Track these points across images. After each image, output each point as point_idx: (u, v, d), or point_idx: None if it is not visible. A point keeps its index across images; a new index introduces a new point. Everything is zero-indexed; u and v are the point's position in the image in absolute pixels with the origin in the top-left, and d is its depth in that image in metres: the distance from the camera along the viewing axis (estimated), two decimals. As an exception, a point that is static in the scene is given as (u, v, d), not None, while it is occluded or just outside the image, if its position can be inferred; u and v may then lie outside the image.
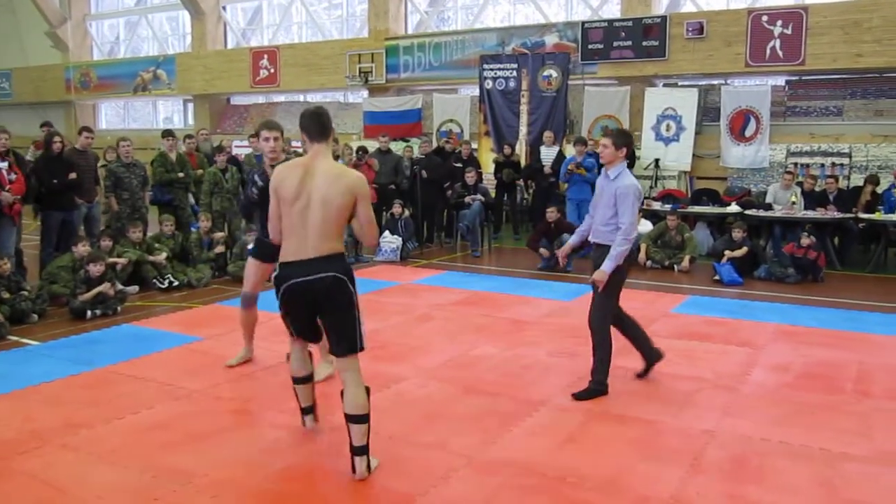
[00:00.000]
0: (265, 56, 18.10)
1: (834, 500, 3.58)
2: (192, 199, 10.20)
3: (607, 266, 4.75)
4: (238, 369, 5.46)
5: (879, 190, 10.59)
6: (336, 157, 5.57)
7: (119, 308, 7.31)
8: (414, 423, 4.46)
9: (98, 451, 4.05)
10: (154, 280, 8.30)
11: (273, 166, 4.41)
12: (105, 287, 7.21)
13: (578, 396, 4.86)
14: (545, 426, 4.44)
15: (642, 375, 5.23)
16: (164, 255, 8.49)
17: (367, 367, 5.41)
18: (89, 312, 7.06)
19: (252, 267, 5.30)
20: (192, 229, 9.54)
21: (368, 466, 3.74)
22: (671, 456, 4.04)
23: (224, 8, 19.69)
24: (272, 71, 17.98)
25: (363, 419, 3.71)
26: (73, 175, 8.41)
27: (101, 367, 5.50)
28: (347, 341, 3.73)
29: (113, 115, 23.18)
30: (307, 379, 4.22)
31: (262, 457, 3.98)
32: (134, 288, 8.07)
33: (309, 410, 4.31)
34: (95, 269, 7.23)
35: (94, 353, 5.90)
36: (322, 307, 3.74)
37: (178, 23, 21.31)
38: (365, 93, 17.12)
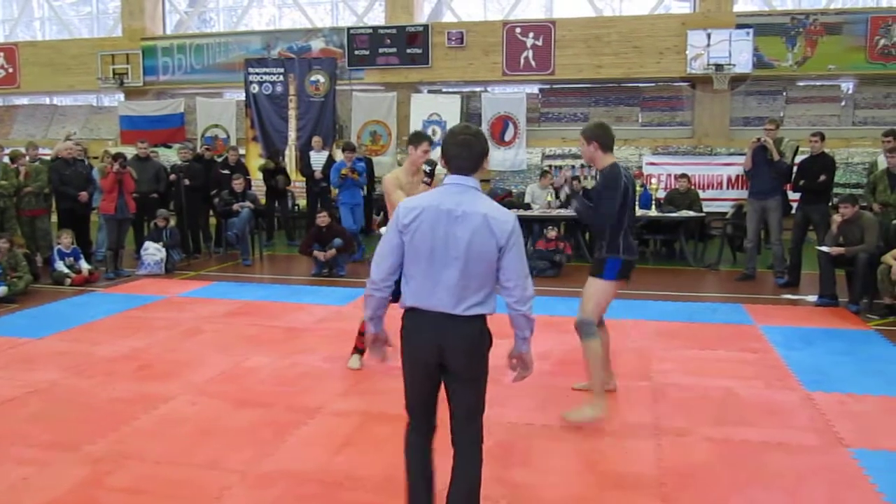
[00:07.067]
0: (2, 54, 16.39)
1: (591, 472, 3.90)
2: None
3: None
4: (-24, 403, 4.87)
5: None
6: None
7: None
8: (184, 444, 4.24)
9: None
10: None
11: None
12: None
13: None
14: (322, 433, 4.42)
15: None
16: None
17: (130, 387, 5.16)
18: None
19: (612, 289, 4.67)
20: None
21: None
22: (445, 448, 4.16)
23: (-51, -1, 17.57)
24: (11, 70, 16.34)
25: None
26: None
27: None
28: None
29: None
30: None
31: (7, 496, 3.59)
32: None
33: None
34: None
35: None
36: None
37: None
38: (121, 96, 16.04)
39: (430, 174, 4.98)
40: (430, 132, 13.69)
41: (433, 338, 2.89)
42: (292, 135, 13.89)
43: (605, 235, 4.54)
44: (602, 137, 4.50)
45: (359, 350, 5.62)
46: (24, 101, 17.52)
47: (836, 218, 7.85)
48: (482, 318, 2.93)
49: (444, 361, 2.92)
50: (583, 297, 4.64)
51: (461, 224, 2.82)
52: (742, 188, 11.73)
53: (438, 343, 2.88)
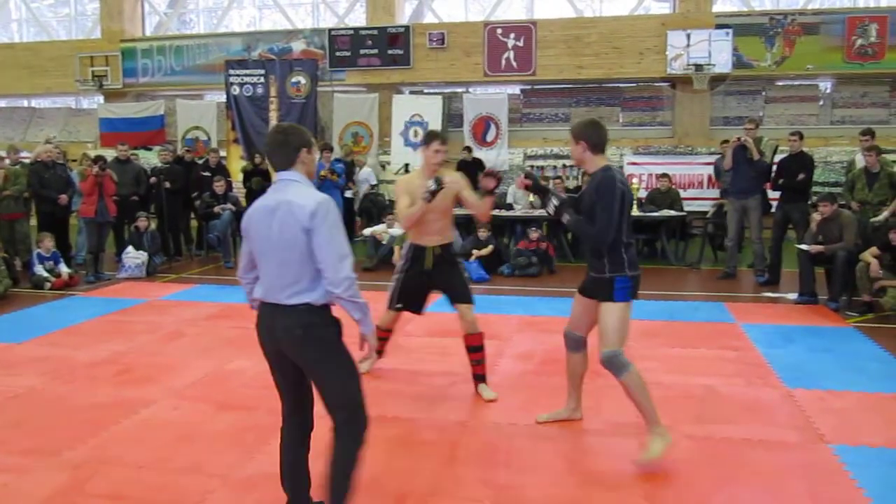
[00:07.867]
0: (-22, 57, 16.20)
1: (574, 470, 3.92)
2: None
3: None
4: (-46, 409, 4.82)
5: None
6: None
7: None
8: (166, 448, 4.21)
9: None
10: None
11: None
12: None
13: None
14: (305, 435, 4.38)
15: None
16: None
17: (111, 392, 5.11)
18: None
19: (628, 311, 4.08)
20: None
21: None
22: (428, 450, 4.18)
23: (-77, 1, 17.36)
24: (-13, 73, 16.14)
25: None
26: None
27: None
28: None
29: None
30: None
31: (-15, 505, 3.56)
32: None
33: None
34: None
35: None
36: None
37: None
38: (100, 98, 15.91)
39: (433, 193, 4.62)
40: (411, 134, 13.71)
41: (267, 329, 3.03)
42: (274, 136, 13.84)
43: (604, 251, 3.99)
44: (592, 137, 4.02)
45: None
46: (1, 103, 17.34)
47: (816, 216, 7.92)
48: (309, 305, 2.96)
49: (283, 350, 3.04)
50: (600, 329, 4.07)
51: (275, 216, 2.94)
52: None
53: (272, 333, 3.02)
